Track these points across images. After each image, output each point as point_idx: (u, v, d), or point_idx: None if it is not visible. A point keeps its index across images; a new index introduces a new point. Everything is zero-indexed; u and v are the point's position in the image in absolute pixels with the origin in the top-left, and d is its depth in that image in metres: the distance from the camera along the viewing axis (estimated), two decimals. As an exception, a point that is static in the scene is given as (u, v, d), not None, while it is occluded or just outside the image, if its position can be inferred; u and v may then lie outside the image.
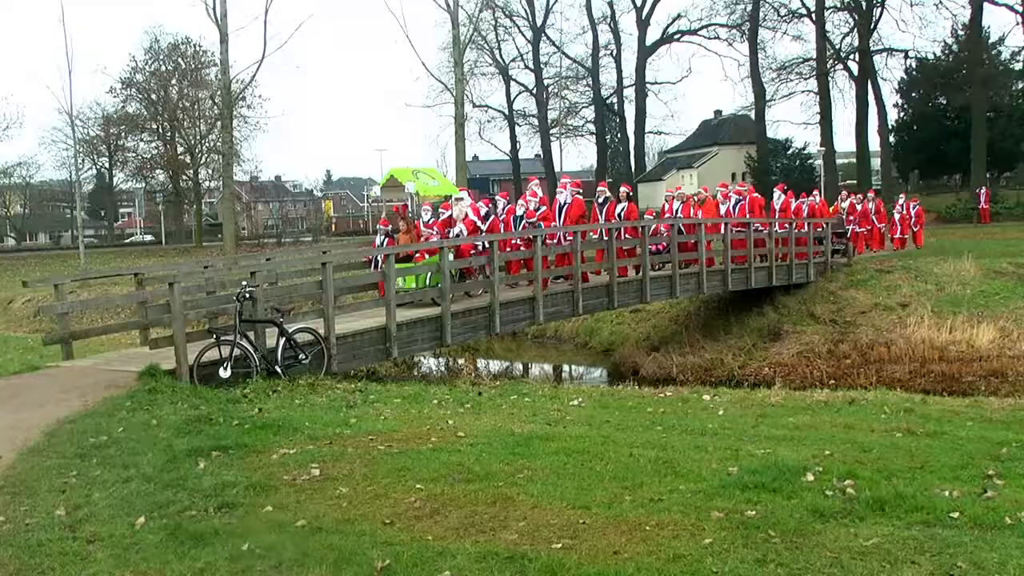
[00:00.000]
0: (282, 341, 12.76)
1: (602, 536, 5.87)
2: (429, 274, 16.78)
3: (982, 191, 44.71)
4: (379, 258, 16.50)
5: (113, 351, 15.83)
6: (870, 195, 32.37)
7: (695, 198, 24.92)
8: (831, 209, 29.70)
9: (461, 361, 25.34)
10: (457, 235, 17.81)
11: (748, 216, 24.14)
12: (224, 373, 12.00)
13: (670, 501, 6.55)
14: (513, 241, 19.20)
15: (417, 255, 17.38)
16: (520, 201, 20.42)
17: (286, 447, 8.41)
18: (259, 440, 8.69)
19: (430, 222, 19.16)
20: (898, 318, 22.64)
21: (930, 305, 22.83)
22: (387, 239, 18.66)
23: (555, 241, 18.96)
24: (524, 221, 19.46)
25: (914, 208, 32.63)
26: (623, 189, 22.63)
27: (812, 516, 6.13)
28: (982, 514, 6.10)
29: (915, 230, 32.31)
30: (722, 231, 22.73)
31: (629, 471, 7.38)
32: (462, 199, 18.60)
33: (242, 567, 5.52)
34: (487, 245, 17.16)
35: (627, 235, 20.81)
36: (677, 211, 24.05)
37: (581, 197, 21.19)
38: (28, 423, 9.85)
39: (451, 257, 16.47)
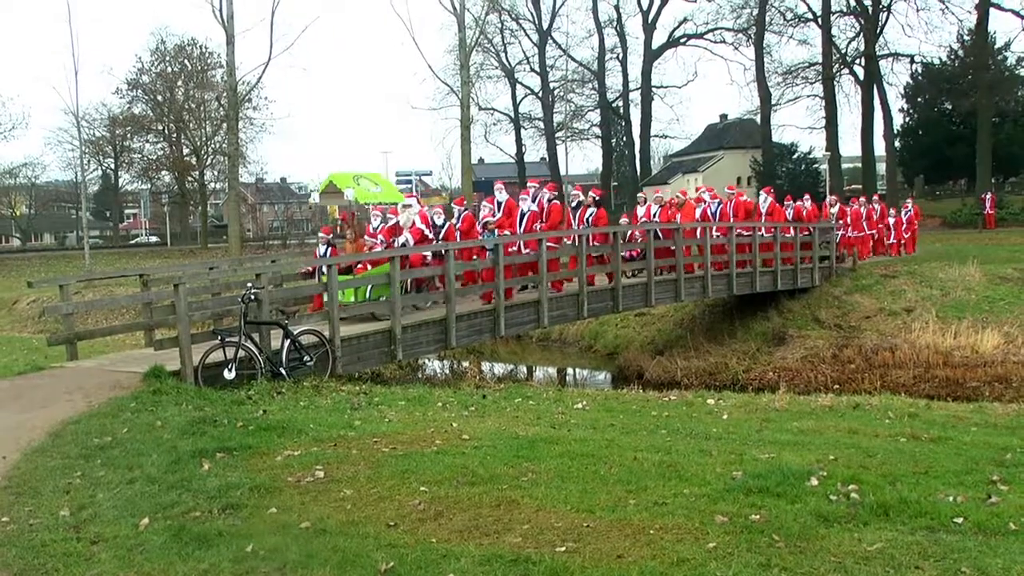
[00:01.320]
0: (287, 343, 12.77)
1: (606, 539, 5.86)
2: (370, 287, 15.68)
3: (987, 196, 44.61)
4: (323, 269, 15.54)
5: (118, 352, 15.88)
6: (874, 199, 31.98)
7: (674, 201, 23.96)
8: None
9: (465, 364, 25.29)
10: (403, 244, 16.68)
11: (731, 220, 23.55)
12: (229, 375, 12.02)
13: (674, 505, 6.54)
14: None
15: (359, 266, 16.19)
16: (485, 203, 19.82)
17: (290, 449, 8.41)
18: (263, 442, 8.70)
19: (378, 229, 18.05)
20: (903, 323, 22.62)
21: (935, 310, 22.80)
22: (329, 248, 17.36)
23: (515, 249, 17.93)
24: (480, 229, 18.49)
25: (906, 214, 32.04)
26: (592, 194, 21.25)
27: (816, 521, 6.12)
28: (986, 519, 6.09)
29: (907, 236, 31.66)
30: (698, 236, 21.97)
31: (633, 475, 7.37)
32: (410, 206, 17.58)
33: (246, 569, 5.53)
34: (443, 254, 16.18)
35: (596, 242, 19.90)
36: (655, 215, 22.87)
37: (559, 202, 20.06)
38: (33, 423, 9.86)
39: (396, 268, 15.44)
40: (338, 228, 17.73)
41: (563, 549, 5.68)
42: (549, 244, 17.96)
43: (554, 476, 7.36)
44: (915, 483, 7.09)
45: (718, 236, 22.54)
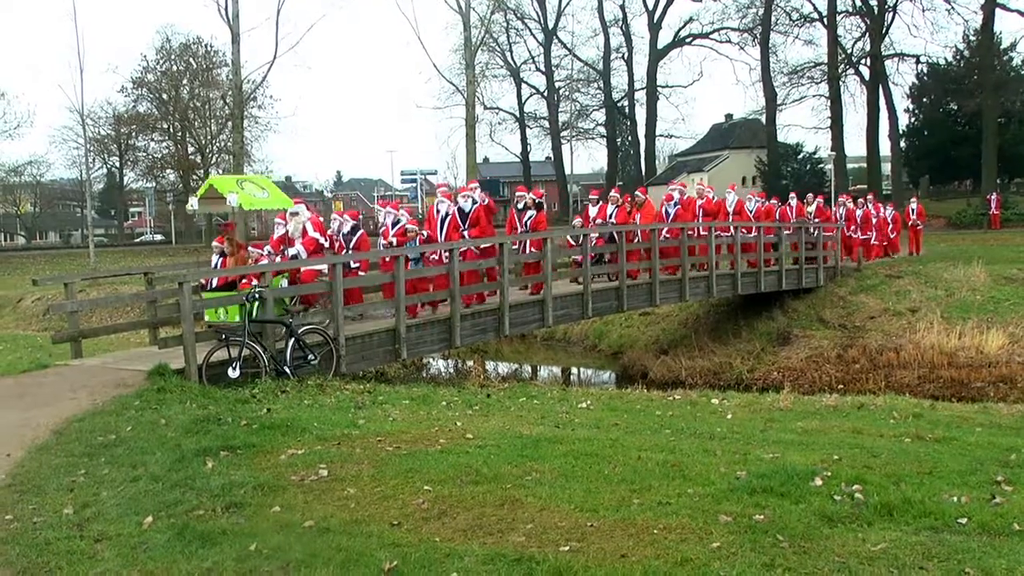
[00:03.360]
0: (291, 342, 12.77)
1: (610, 539, 5.86)
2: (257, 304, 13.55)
3: (993, 197, 44.59)
4: (215, 282, 14.85)
5: (122, 350, 15.88)
6: (869, 198, 31.11)
7: (635, 201, 22.16)
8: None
9: (470, 363, 25.32)
10: (294, 256, 15.06)
11: (704, 220, 22.37)
12: (233, 373, 12.04)
13: (678, 504, 6.54)
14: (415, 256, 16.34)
15: (243, 281, 14.40)
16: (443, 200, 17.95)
17: (294, 447, 8.42)
18: (267, 440, 8.70)
19: (275, 240, 16.17)
20: (907, 323, 22.58)
21: (939, 311, 22.76)
22: (222, 259, 15.82)
23: (437, 259, 16.46)
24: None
25: (890, 213, 31.08)
26: (530, 195, 19.29)
27: (820, 521, 6.11)
28: (990, 520, 6.08)
29: (892, 236, 30.73)
30: (651, 238, 20.29)
31: (637, 474, 7.37)
32: (297, 213, 15.48)
33: (249, 567, 5.53)
34: (352, 265, 15.27)
35: (532, 248, 18.21)
36: (611, 216, 21.05)
37: (487, 205, 18.07)
38: (37, 421, 9.88)
39: (284, 283, 14.37)
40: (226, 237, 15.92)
41: (567, 548, 5.68)
42: (483, 251, 16.77)
43: (558, 475, 7.36)
44: (919, 483, 7.07)
45: (667, 238, 20.99)
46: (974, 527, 5.98)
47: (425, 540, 5.89)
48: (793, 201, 27.00)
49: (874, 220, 29.84)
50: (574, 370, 26.38)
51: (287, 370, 12.56)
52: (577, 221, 21.93)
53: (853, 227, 28.88)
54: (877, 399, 12.64)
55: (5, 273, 45.64)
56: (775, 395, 12.99)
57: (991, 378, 19.47)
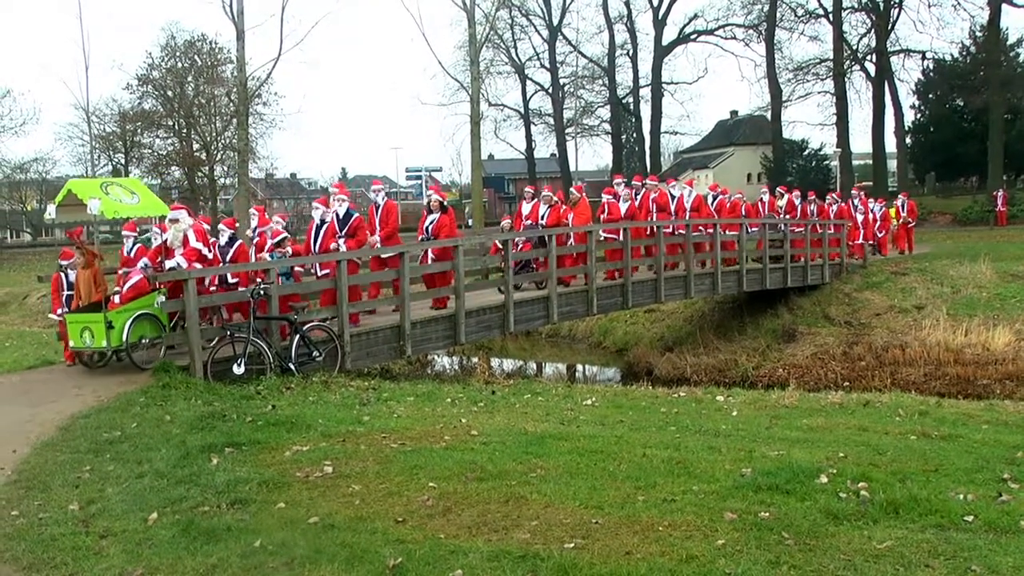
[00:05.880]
0: (296, 338, 12.78)
1: (615, 536, 5.85)
2: (129, 324, 12.28)
3: (999, 193, 44.42)
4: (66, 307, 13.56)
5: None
6: (853, 192, 30.17)
7: (569, 199, 19.98)
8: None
9: (475, 360, 25.34)
10: (173, 268, 13.30)
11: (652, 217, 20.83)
12: (238, 370, 12.05)
13: (683, 502, 6.53)
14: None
15: (115, 297, 13.27)
16: (316, 204, 15.95)
17: (299, 444, 8.42)
18: (272, 437, 8.71)
19: (133, 252, 14.46)
20: (913, 320, 22.55)
21: (945, 308, 22.72)
22: (73, 275, 14.01)
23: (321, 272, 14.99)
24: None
25: (879, 209, 29.78)
26: (436, 197, 17.13)
27: (825, 518, 6.10)
28: (997, 518, 6.07)
29: (879, 236, 29.42)
30: (589, 241, 18.51)
31: (642, 471, 7.36)
32: (177, 220, 13.78)
33: (254, 563, 5.53)
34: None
35: (435, 256, 16.22)
36: (543, 217, 18.89)
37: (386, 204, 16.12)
38: (42, 418, 9.91)
39: (162, 298, 12.86)
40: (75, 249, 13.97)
41: (571, 546, 5.67)
42: (384, 262, 15.35)
43: (563, 472, 7.35)
44: (925, 481, 7.06)
45: (605, 239, 19.74)
46: (980, 525, 5.97)
47: (430, 537, 5.89)
48: (766, 196, 26.45)
49: (860, 218, 28.61)
50: (579, 367, 26.37)
51: (292, 367, 12.57)
52: (506, 223, 19.40)
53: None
54: (883, 396, 12.61)
55: (11, 270, 45.78)
56: (780, 392, 12.96)
57: (997, 375, 19.43)
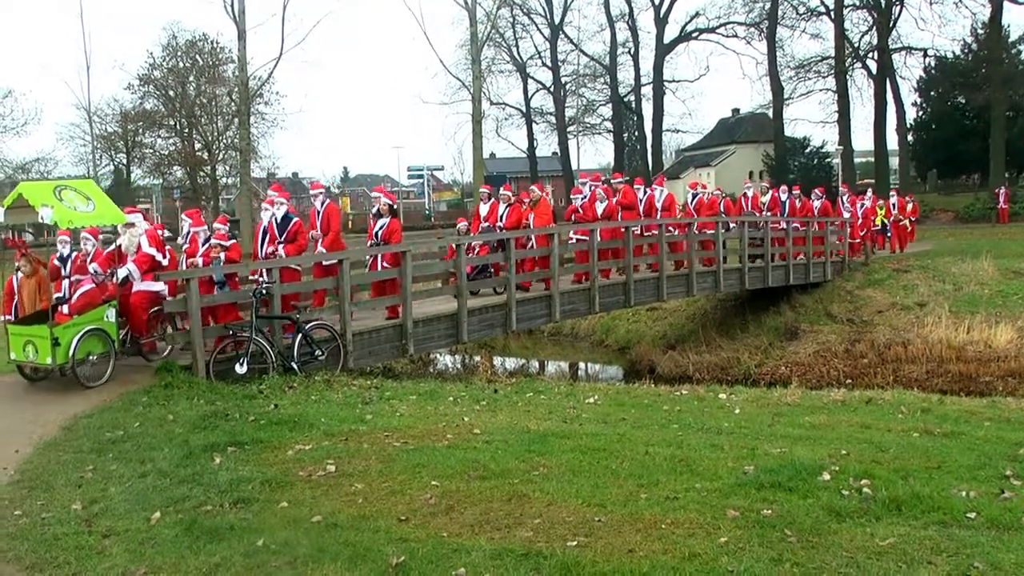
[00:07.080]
0: (298, 337, 12.79)
1: (617, 534, 5.85)
2: (76, 341, 11.34)
3: (1001, 191, 44.39)
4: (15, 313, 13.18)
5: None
6: (841, 190, 29.84)
7: (528, 199, 18.77)
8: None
9: (477, 358, 25.34)
10: (125, 278, 12.85)
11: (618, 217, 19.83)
12: (240, 369, 12.06)
13: (686, 499, 6.53)
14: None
15: (64, 308, 12.68)
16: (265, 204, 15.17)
17: (302, 443, 8.43)
18: (275, 436, 8.72)
19: (73, 256, 13.43)
20: (915, 318, 22.54)
21: (948, 305, 22.71)
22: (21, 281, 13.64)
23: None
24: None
25: (861, 207, 28.85)
26: (385, 200, 15.97)
27: (828, 516, 6.10)
28: (999, 515, 6.07)
29: (862, 234, 28.19)
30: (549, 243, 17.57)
31: (645, 469, 7.36)
32: (133, 225, 13.20)
33: (257, 562, 5.54)
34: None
35: (386, 263, 15.34)
36: (502, 216, 17.89)
37: (300, 218, 15.09)
38: (45, 418, 9.92)
39: (112, 312, 12.14)
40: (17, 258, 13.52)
41: (574, 543, 5.67)
42: (326, 269, 14.68)
43: (565, 470, 7.36)
44: (928, 478, 7.06)
45: (578, 240, 19.21)
46: (983, 522, 5.97)
47: (433, 535, 5.90)
48: (750, 191, 25.84)
49: (847, 216, 27.83)
50: (581, 365, 26.39)
51: (294, 366, 12.58)
52: (462, 225, 18.87)
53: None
54: (885, 393, 12.60)
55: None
56: (783, 390, 12.94)
57: (1000, 372, 19.44)
